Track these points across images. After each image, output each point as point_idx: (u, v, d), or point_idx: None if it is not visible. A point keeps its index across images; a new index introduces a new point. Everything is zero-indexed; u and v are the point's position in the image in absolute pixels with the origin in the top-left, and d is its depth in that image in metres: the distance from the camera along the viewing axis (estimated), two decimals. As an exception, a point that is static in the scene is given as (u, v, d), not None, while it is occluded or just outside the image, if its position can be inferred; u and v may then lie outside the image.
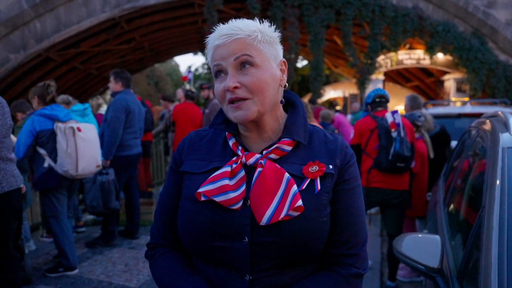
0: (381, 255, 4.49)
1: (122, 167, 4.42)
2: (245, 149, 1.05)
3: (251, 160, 1.01)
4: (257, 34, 1.00)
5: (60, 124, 3.57)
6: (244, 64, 0.99)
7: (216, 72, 1.02)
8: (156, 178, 7.74)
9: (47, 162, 3.57)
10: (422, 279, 3.80)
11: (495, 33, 11.94)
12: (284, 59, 1.08)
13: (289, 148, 1.04)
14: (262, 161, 1.00)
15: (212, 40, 1.02)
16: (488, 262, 1.31)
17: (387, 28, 12.03)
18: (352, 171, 1.07)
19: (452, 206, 2.36)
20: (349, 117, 10.68)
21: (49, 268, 3.84)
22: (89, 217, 5.49)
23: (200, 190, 1.00)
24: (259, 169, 0.99)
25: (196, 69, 28.50)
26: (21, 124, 3.91)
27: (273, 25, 1.06)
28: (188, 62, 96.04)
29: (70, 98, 5.32)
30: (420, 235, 1.81)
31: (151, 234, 1.16)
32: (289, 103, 1.13)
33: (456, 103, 8.42)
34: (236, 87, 0.98)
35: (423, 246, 1.69)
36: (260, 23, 1.04)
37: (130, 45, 15.63)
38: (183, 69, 42.13)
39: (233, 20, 1.04)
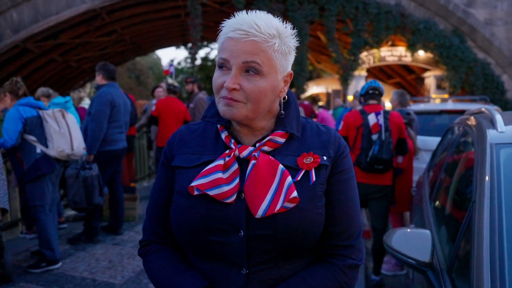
0: (365, 250, 4.55)
1: (106, 162, 4.34)
2: (238, 142, 1.03)
3: (244, 153, 1.00)
4: (275, 41, 0.96)
5: (46, 111, 3.64)
6: (251, 69, 0.96)
7: (220, 63, 0.99)
8: (139, 173, 7.63)
9: (39, 148, 3.59)
10: (405, 272, 3.87)
11: (474, 32, 12.20)
12: (291, 71, 1.05)
13: (282, 140, 1.03)
14: (256, 154, 0.99)
15: (228, 28, 0.97)
16: (480, 256, 1.34)
17: (370, 25, 12.15)
18: (346, 162, 1.08)
19: (439, 201, 2.40)
20: (330, 112, 10.79)
21: (30, 264, 3.75)
22: (70, 212, 5.38)
23: (193, 184, 0.99)
24: (253, 162, 0.98)
25: (179, 63, 28.18)
26: (2, 117, 3.81)
27: (295, 29, 1.02)
28: (170, 56, 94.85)
29: (51, 90, 5.18)
30: (410, 230, 1.83)
31: (144, 231, 1.14)
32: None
33: (436, 100, 8.60)
34: (235, 89, 0.96)
35: (413, 240, 1.71)
36: (283, 24, 0.99)
37: (111, 38, 15.33)
38: (165, 62, 41.58)
39: (257, 12, 0.99)
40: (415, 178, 4.11)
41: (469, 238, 1.48)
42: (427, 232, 1.72)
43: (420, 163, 4.93)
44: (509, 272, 1.27)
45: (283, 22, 1.02)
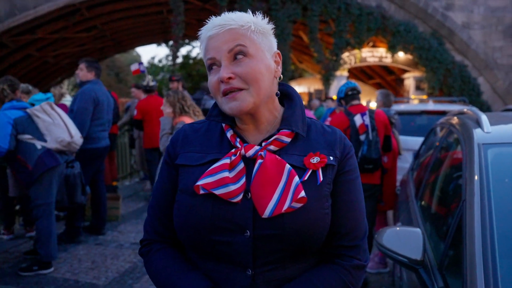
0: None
1: (89, 160, 4.25)
2: (243, 141, 1.03)
3: (250, 152, 0.99)
4: (251, 24, 0.99)
5: (33, 108, 3.59)
6: (238, 54, 0.97)
7: (209, 65, 1.01)
8: (121, 172, 7.50)
9: (39, 144, 3.52)
10: (388, 270, 3.94)
11: (452, 35, 12.51)
12: (278, 51, 1.07)
13: (288, 139, 1.02)
14: (262, 153, 0.98)
15: (205, 31, 1.01)
16: (472, 253, 1.37)
17: (351, 25, 12.29)
18: (352, 163, 1.07)
19: (426, 200, 2.45)
20: (311, 112, 10.86)
21: (22, 267, 3.64)
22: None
23: (199, 183, 0.97)
24: (259, 161, 0.97)
25: (160, 61, 27.88)
26: None
27: (267, 17, 1.06)
28: (150, 53, 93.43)
29: (30, 87, 5.03)
30: (401, 228, 1.86)
31: (145, 230, 1.12)
32: (286, 96, 1.12)
33: (414, 101, 8.80)
34: (230, 78, 0.96)
35: (404, 238, 1.73)
36: (254, 15, 1.03)
37: (90, 34, 14.98)
38: (145, 60, 41.04)
39: (226, 13, 1.03)
40: (398, 177, 4.19)
41: (460, 236, 1.52)
42: (418, 230, 1.74)
43: (402, 163, 5.03)
44: (500, 268, 1.31)
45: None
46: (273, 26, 1.06)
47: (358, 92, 3.60)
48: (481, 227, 1.44)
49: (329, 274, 1.02)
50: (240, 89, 0.97)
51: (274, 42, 1.06)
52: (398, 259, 1.68)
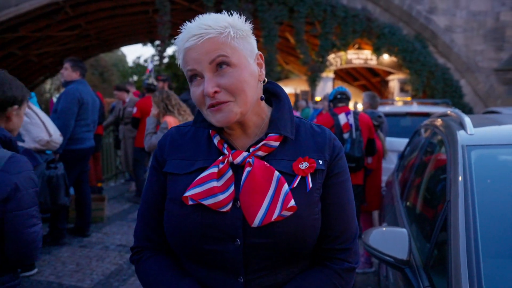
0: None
1: (73, 161, 4.18)
2: (231, 147, 1.01)
3: (238, 159, 0.97)
4: (229, 30, 0.94)
5: None
6: (221, 65, 0.93)
7: (190, 76, 0.96)
8: (106, 173, 7.41)
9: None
10: (374, 269, 3.99)
11: (435, 38, 12.73)
12: (260, 52, 1.02)
13: (276, 143, 1.00)
14: (250, 160, 0.96)
15: (182, 41, 0.95)
16: (457, 252, 1.40)
17: (337, 27, 12.40)
18: (341, 165, 1.05)
19: (411, 201, 2.49)
20: (298, 113, 10.95)
21: None
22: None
23: (187, 194, 0.96)
24: (248, 169, 0.95)
25: (145, 61, 27.65)
26: None
27: (243, 17, 1.00)
28: (136, 53, 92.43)
29: (12, 86, 4.93)
30: (387, 229, 1.88)
31: (135, 237, 1.11)
32: (273, 95, 1.09)
33: (399, 103, 8.94)
34: (216, 92, 0.93)
35: (391, 239, 1.76)
36: (229, 15, 0.97)
37: (74, 32, 14.77)
38: (130, 59, 40.60)
39: (200, 16, 0.97)
40: (384, 178, 4.25)
41: (445, 235, 1.55)
42: (404, 230, 1.77)
43: (388, 164, 5.10)
44: (484, 267, 1.34)
45: (250, 22, 1.01)
46: (252, 26, 1.01)
47: (347, 98, 3.69)
48: (465, 227, 1.47)
49: (320, 278, 1.02)
50: (227, 102, 0.94)
51: (254, 43, 1.01)
52: (384, 259, 1.70)
